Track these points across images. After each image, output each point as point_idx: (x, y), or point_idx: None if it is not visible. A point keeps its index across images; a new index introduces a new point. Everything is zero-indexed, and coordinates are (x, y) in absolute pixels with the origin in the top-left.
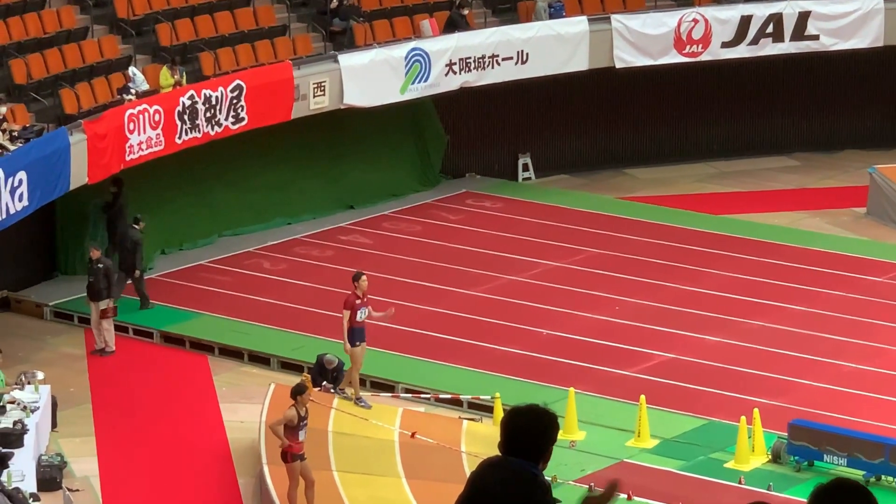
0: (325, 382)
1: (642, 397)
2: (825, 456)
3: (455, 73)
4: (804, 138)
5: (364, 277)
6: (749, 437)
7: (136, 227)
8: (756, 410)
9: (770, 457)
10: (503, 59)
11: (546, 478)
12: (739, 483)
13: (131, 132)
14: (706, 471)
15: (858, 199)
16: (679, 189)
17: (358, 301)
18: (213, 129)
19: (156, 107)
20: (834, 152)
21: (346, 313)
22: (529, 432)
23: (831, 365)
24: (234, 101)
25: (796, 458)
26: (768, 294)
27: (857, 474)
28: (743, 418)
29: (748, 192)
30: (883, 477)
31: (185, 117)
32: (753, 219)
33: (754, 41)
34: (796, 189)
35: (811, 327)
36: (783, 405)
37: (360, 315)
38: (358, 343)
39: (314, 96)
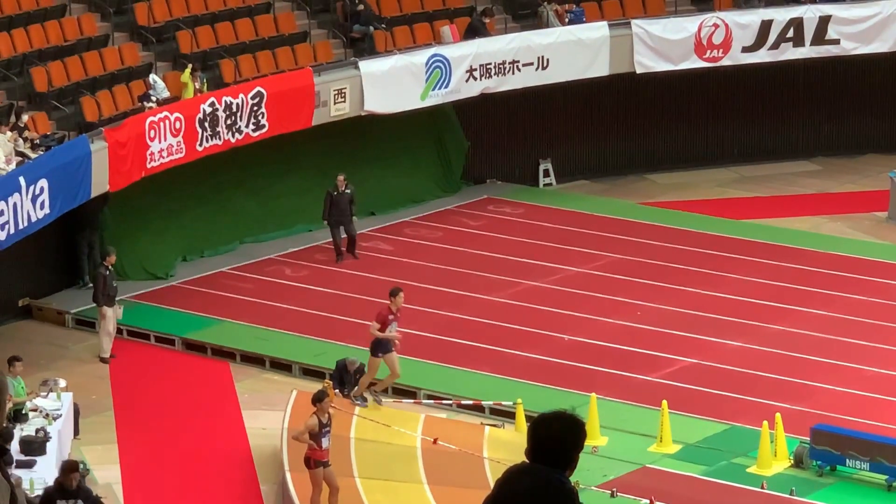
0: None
1: (664, 402)
2: (847, 461)
3: (476, 79)
4: (825, 143)
5: (402, 294)
6: (771, 442)
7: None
8: (778, 415)
9: (792, 462)
10: (524, 65)
11: (573, 485)
12: (762, 488)
13: (152, 140)
14: (728, 476)
15: (880, 203)
16: (700, 194)
17: (391, 316)
18: (233, 136)
19: (176, 114)
20: (855, 157)
21: (376, 325)
22: (557, 439)
23: (853, 369)
24: (255, 108)
25: (819, 462)
26: (790, 298)
27: (879, 479)
28: (765, 423)
29: (769, 196)
30: None
31: (206, 124)
32: (774, 223)
33: (775, 46)
34: (817, 193)
35: (833, 332)
36: (805, 410)
37: (390, 329)
38: (381, 354)
39: (335, 103)
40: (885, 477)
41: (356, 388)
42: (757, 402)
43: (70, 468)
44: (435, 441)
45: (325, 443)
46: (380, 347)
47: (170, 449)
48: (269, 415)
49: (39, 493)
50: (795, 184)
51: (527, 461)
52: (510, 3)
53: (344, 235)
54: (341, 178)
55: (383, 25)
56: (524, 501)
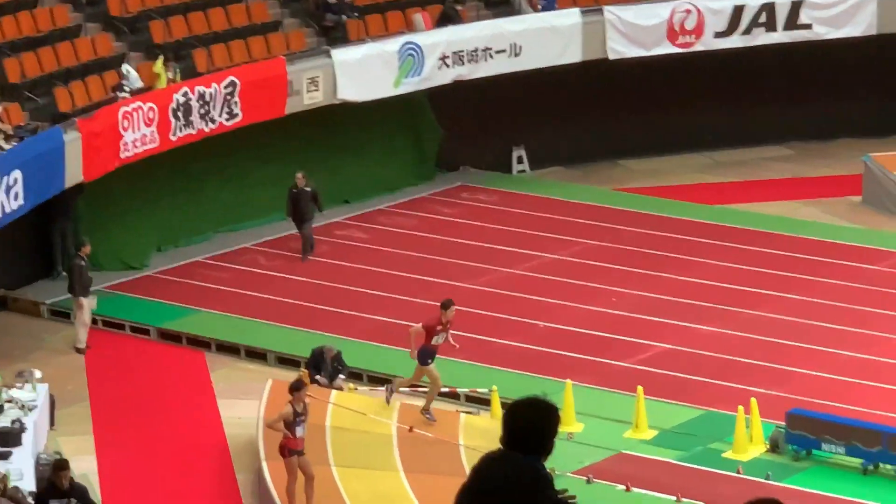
0: (341, 376)
1: (640, 388)
2: (823, 445)
3: (448, 66)
4: (798, 127)
5: (453, 308)
6: (747, 427)
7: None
8: (754, 400)
9: (768, 446)
10: (496, 52)
11: (548, 471)
12: (738, 473)
13: (126, 130)
14: (704, 461)
15: (853, 187)
16: (674, 180)
17: (439, 328)
18: (207, 125)
19: (150, 104)
20: (828, 141)
21: (418, 328)
22: (532, 426)
23: (829, 354)
24: (228, 98)
25: (795, 447)
26: (765, 283)
27: (855, 463)
28: (741, 408)
29: (743, 181)
30: (881, 465)
31: (180, 114)
32: (749, 208)
33: (747, 31)
34: (791, 178)
35: (808, 316)
36: (781, 395)
37: (436, 340)
38: (430, 361)
39: (308, 91)
40: (861, 461)
41: (391, 391)
42: (732, 387)
43: (60, 466)
44: (411, 429)
45: (299, 431)
46: (428, 355)
47: (146, 439)
48: (244, 404)
49: (15, 484)
50: (769, 169)
51: (502, 448)
52: None
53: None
54: (300, 175)
55: (356, 14)
56: (499, 488)
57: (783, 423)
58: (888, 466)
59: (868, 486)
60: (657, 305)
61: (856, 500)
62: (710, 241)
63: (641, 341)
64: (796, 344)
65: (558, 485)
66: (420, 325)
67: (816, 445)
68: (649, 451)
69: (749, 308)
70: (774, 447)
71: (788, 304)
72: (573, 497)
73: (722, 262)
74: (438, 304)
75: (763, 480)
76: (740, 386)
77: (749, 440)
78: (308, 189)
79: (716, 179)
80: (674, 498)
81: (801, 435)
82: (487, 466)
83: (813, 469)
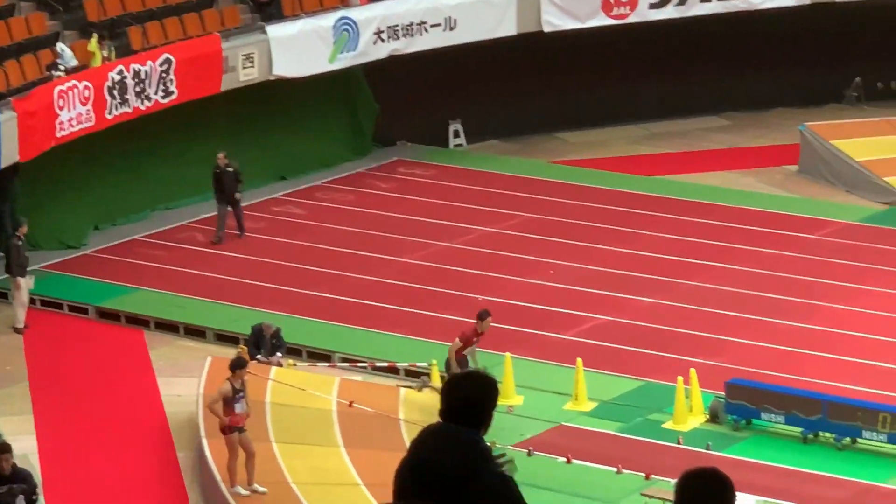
0: (278, 353)
1: (579, 360)
2: (763, 414)
3: (383, 41)
4: (734, 98)
5: (490, 319)
6: (686, 398)
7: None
8: (693, 371)
9: (708, 416)
10: (431, 26)
11: (487, 444)
12: (678, 443)
13: (61, 109)
14: (644, 432)
15: (790, 157)
16: (611, 151)
17: (475, 339)
18: (143, 103)
19: (85, 83)
20: (764, 111)
21: (458, 343)
22: (470, 399)
23: (768, 323)
24: (164, 75)
25: (734, 417)
26: (703, 254)
27: (794, 431)
28: (680, 379)
29: (680, 152)
30: (821, 433)
31: (115, 92)
32: (685, 179)
33: (682, 1)
34: (728, 149)
35: (746, 286)
36: (720, 364)
37: (469, 351)
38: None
39: (243, 68)
40: (801, 429)
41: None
42: (671, 357)
43: (2, 450)
44: (351, 404)
45: (238, 408)
46: (462, 364)
47: (86, 418)
48: (184, 382)
49: None
50: (705, 139)
51: (441, 421)
52: None
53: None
54: (221, 155)
55: None
56: (438, 461)
57: (722, 393)
58: (828, 435)
59: (808, 454)
60: (595, 277)
61: (796, 468)
62: (648, 213)
63: (580, 313)
64: (735, 314)
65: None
66: (457, 339)
67: (756, 415)
68: (589, 422)
69: (687, 279)
70: (714, 417)
71: (726, 274)
72: (511, 460)
73: (660, 233)
74: (382, 279)
75: (703, 450)
76: (679, 356)
77: (689, 410)
78: (230, 169)
79: (652, 151)
80: (614, 469)
81: (741, 404)
82: (426, 440)
83: (753, 438)
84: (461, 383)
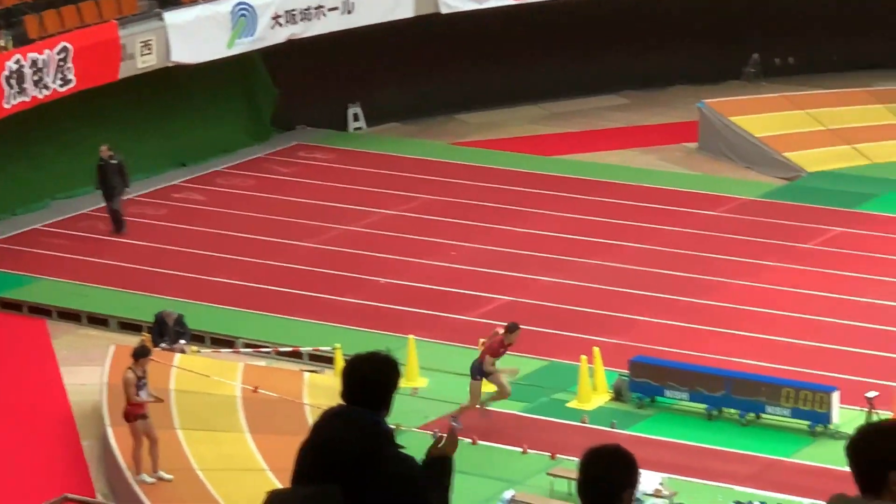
0: (182, 340)
1: (482, 341)
2: (667, 391)
3: (281, 25)
4: (633, 76)
5: (518, 332)
6: (591, 377)
7: None
8: (597, 349)
9: (612, 395)
10: (329, 10)
11: (389, 426)
12: (583, 422)
13: None
14: (549, 411)
15: (689, 134)
16: (510, 132)
17: (502, 350)
18: (41, 92)
19: None
20: (663, 89)
21: (489, 360)
22: (370, 380)
23: (670, 300)
24: (61, 64)
25: (638, 394)
26: (605, 233)
27: (699, 408)
28: (584, 358)
29: (579, 132)
30: (725, 410)
31: (13, 82)
32: (585, 158)
33: None
34: (627, 127)
35: (649, 264)
36: (624, 343)
37: (496, 362)
38: (479, 378)
39: (141, 55)
40: (705, 406)
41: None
42: (575, 337)
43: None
44: (255, 389)
45: (142, 396)
46: (478, 372)
47: None
48: (87, 370)
49: None
50: (605, 118)
51: (342, 404)
52: None
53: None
54: (104, 147)
55: None
56: (339, 442)
57: (626, 371)
58: (732, 411)
59: (712, 431)
60: (498, 258)
61: (700, 444)
62: (548, 193)
63: (483, 294)
64: (638, 292)
65: (403, 441)
66: (488, 357)
67: (660, 392)
68: (494, 403)
69: (589, 258)
70: (618, 395)
71: (628, 252)
72: (449, 434)
73: (561, 212)
74: (285, 264)
75: (608, 429)
76: (583, 335)
77: (593, 389)
78: (114, 161)
79: (552, 130)
80: (520, 449)
81: (645, 382)
82: (327, 422)
83: (657, 416)
84: (361, 365)
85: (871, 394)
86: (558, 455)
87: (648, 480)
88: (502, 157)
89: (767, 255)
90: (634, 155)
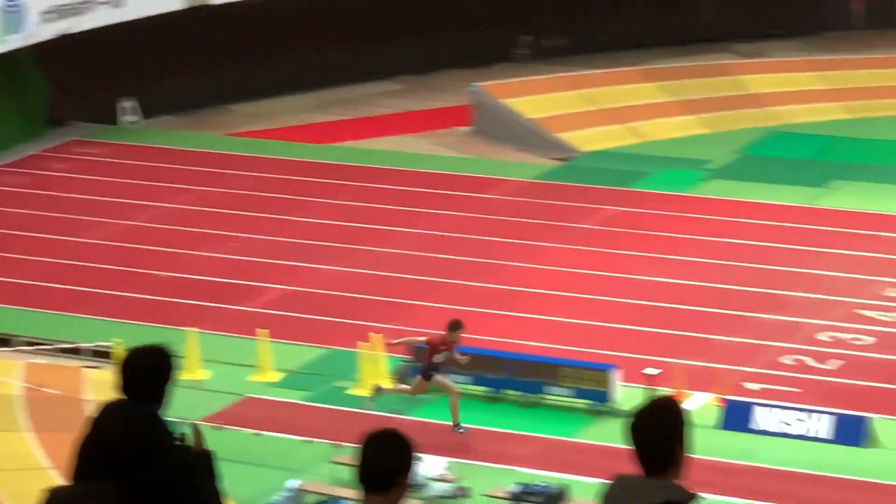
0: None
1: (264, 331)
2: (449, 375)
3: (51, 21)
4: (405, 62)
5: (461, 331)
6: (372, 363)
7: None
8: (378, 336)
9: (395, 381)
10: (99, 4)
11: (165, 418)
12: (365, 409)
13: None
14: (331, 399)
15: (463, 118)
16: (285, 121)
17: (442, 347)
18: None
19: None
20: (435, 73)
21: (422, 338)
22: (145, 373)
23: (449, 285)
24: None
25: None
26: (381, 219)
27: (480, 391)
28: (365, 345)
29: (353, 119)
30: (506, 392)
31: None
32: (360, 145)
33: None
34: (400, 113)
35: (427, 249)
36: (405, 329)
37: (437, 358)
38: (431, 375)
39: None
40: (487, 389)
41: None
42: (356, 324)
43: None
44: (35, 387)
45: None
46: (430, 370)
47: None
48: None
49: None
50: (378, 104)
51: (119, 397)
52: None
53: None
54: None
55: None
56: (115, 437)
57: (408, 357)
58: (514, 392)
59: (495, 413)
60: (277, 247)
61: (483, 427)
62: (325, 181)
63: (263, 284)
64: (417, 277)
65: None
66: (424, 338)
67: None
68: (276, 393)
69: (367, 245)
70: (401, 381)
71: (406, 238)
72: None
73: (338, 200)
74: (64, 261)
75: (390, 415)
76: (363, 322)
77: (374, 376)
78: None
79: (326, 118)
80: (302, 438)
81: (426, 367)
82: (103, 416)
83: (440, 400)
84: (135, 359)
85: (651, 370)
86: (341, 442)
87: (433, 465)
88: (277, 146)
89: (544, 237)
90: (409, 140)
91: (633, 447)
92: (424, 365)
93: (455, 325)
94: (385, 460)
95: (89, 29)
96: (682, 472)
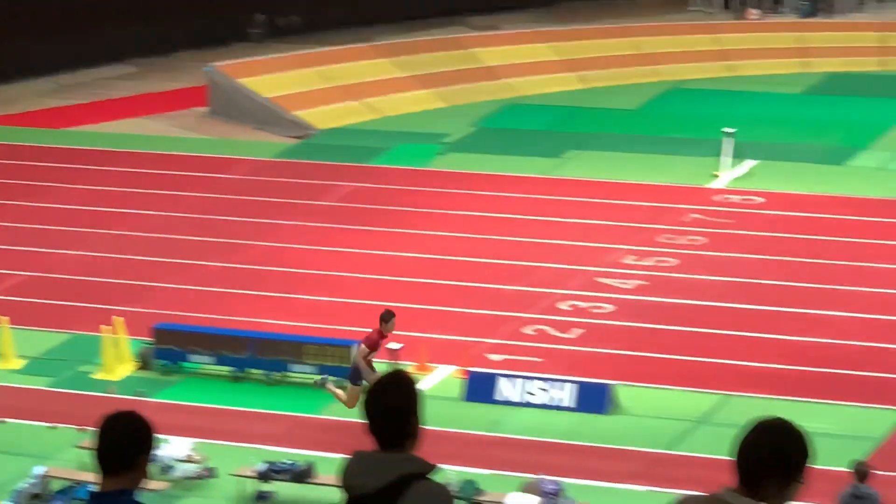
0: None
1: (5, 318)
2: (191, 356)
3: None
4: (138, 44)
5: (394, 321)
6: (115, 347)
7: None
8: (119, 319)
9: (138, 363)
10: None
11: None
12: (109, 393)
13: None
14: (75, 385)
15: (199, 98)
16: (20, 107)
17: (382, 341)
18: None
19: None
20: (169, 55)
21: (364, 349)
22: None
23: (192, 266)
24: None
25: (164, 361)
26: (120, 202)
27: (224, 371)
28: (107, 328)
29: (88, 103)
30: (251, 371)
31: None
32: (97, 129)
33: None
34: (137, 95)
35: (167, 230)
36: (147, 311)
37: (372, 356)
38: (360, 382)
39: None
40: (231, 368)
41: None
42: (98, 308)
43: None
44: None
45: None
46: (359, 376)
47: None
48: None
49: None
50: (113, 88)
51: None
52: None
53: None
54: None
55: None
56: None
57: (151, 339)
58: (257, 371)
59: (240, 392)
60: (15, 234)
61: (228, 407)
62: (61, 165)
63: (2, 271)
64: (159, 259)
65: None
66: (362, 346)
67: (184, 358)
68: (20, 380)
69: (107, 228)
70: (144, 363)
71: (147, 220)
72: None
73: (76, 184)
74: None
75: (135, 398)
76: (106, 306)
77: (117, 359)
78: None
79: (61, 103)
80: (47, 424)
81: (169, 349)
82: None
83: (184, 382)
84: None
85: (393, 345)
86: (85, 427)
87: (179, 447)
88: (13, 132)
89: (284, 215)
90: (145, 123)
91: (368, 423)
92: (352, 369)
93: (388, 316)
94: (124, 441)
95: None
96: (419, 444)
